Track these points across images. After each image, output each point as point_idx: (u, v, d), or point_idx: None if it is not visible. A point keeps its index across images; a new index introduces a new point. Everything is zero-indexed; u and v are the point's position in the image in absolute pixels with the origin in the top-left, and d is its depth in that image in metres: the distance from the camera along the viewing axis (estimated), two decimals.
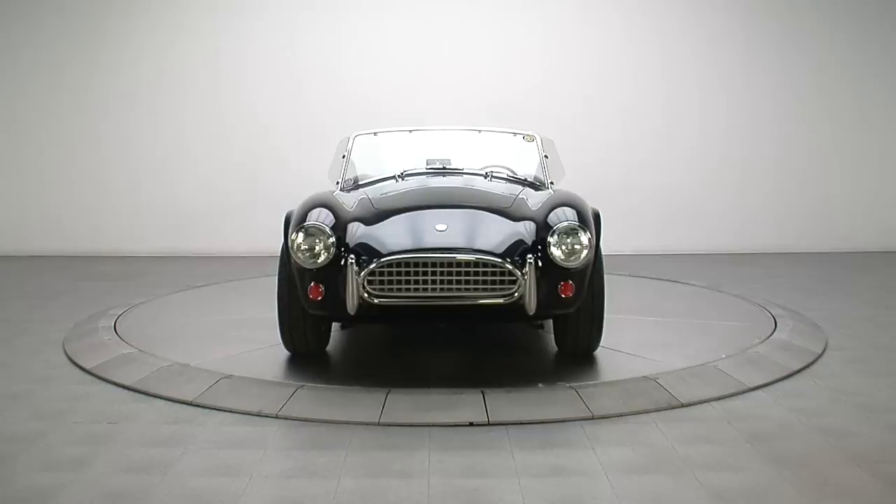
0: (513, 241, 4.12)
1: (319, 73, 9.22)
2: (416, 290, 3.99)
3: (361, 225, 4.26)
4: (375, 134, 5.83)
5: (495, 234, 4.18)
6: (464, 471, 3.11)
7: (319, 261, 4.06)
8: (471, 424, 3.60)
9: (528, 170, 5.42)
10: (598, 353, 4.58)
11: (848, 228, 9.43)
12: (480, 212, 4.43)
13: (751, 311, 5.80)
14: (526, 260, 3.97)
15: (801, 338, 5.00)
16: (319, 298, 4.09)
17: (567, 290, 4.07)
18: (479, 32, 9.27)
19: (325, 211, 4.31)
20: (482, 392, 3.86)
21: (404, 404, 3.76)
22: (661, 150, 9.30)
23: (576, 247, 4.08)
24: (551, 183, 5.80)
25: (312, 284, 4.09)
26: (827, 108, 9.40)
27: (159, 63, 9.28)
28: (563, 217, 4.20)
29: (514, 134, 5.66)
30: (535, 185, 5.21)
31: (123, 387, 4.15)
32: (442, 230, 4.14)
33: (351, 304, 3.97)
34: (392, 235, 4.16)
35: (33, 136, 9.36)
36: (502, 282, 3.98)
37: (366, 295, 3.97)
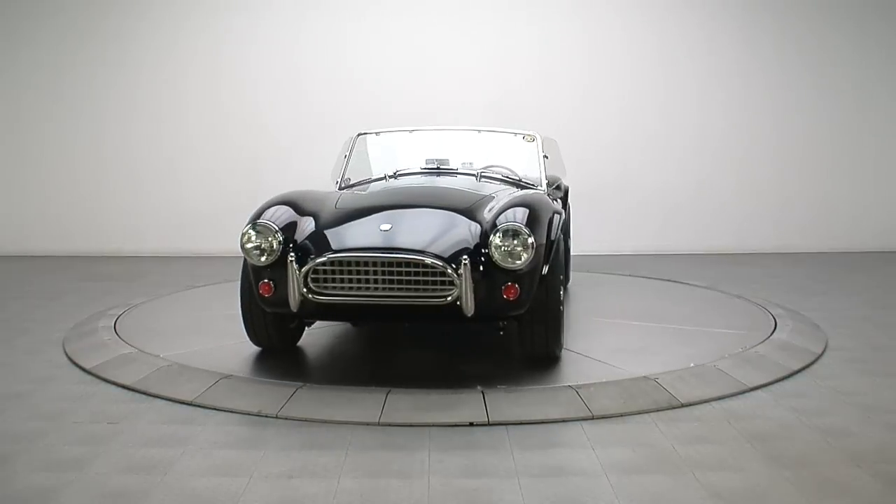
0: (457, 241, 4.05)
1: (322, 73, 9.23)
2: (354, 289, 4.02)
3: (312, 224, 4.31)
4: (378, 134, 5.88)
5: (441, 234, 4.12)
6: (464, 471, 3.11)
7: (264, 259, 4.14)
8: (471, 424, 3.60)
9: (527, 170, 5.43)
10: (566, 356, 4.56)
11: (847, 228, 9.43)
12: (437, 212, 4.34)
13: (750, 311, 5.80)
14: (461, 261, 3.89)
15: (801, 338, 5.00)
16: (269, 295, 4.18)
17: (511, 292, 3.96)
18: (479, 32, 9.27)
19: (283, 208, 4.39)
20: (482, 392, 3.86)
21: (404, 404, 3.76)
22: (660, 150, 9.31)
23: (517, 249, 3.95)
24: (548, 184, 5.84)
25: (263, 281, 4.18)
26: (825, 107, 9.41)
27: (161, 63, 9.29)
28: (510, 218, 4.07)
29: (515, 134, 5.68)
30: (527, 186, 5.25)
31: (123, 387, 4.15)
32: (385, 230, 4.13)
33: (293, 302, 4.04)
34: (335, 235, 4.21)
35: (35, 136, 9.37)
36: (440, 283, 3.93)
37: (306, 292, 4.02)
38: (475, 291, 3.93)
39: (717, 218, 9.36)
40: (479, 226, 4.15)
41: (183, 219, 9.30)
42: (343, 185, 5.48)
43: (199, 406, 3.85)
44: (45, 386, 4.22)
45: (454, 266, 3.90)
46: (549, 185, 6.23)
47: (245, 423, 3.63)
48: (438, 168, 5.35)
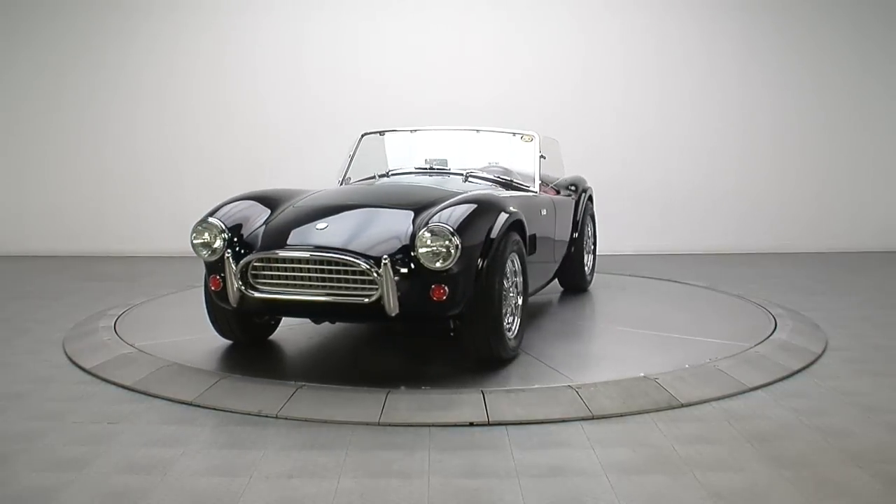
0: (387, 241, 4.04)
1: (326, 74, 9.26)
2: (285, 286, 4.08)
3: (260, 222, 4.41)
4: (382, 133, 5.92)
5: (374, 234, 4.11)
6: (464, 471, 3.11)
7: (207, 255, 4.29)
8: (471, 424, 3.60)
9: (525, 170, 5.46)
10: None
11: (846, 228, 9.44)
12: (383, 211, 4.33)
13: (751, 311, 5.80)
14: (381, 260, 3.88)
15: (801, 338, 5.00)
16: (218, 290, 4.30)
17: (439, 293, 3.92)
18: (480, 32, 9.28)
19: (241, 205, 4.53)
20: (482, 392, 3.86)
21: (404, 404, 3.76)
22: (659, 150, 9.32)
23: (441, 250, 3.88)
24: (564, 185, 5.89)
25: (213, 277, 4.31)
26: (825, 107, 9.42)
27: (163, 63, 9.30)
28: (440, 219, 3.99)
29: (514, 134, 5.68)
30: (516, 187, 5.26)
31: (123, 387, 4.15)
32: (320, 228, 4.18)
33: (232, 297, 4.16)
34: (275, 233, 4.28)
35: (36, 137, 9.37)
36: (364, 281, 3.94)
37: (243, 288, 4.11)
38: (403, 291, 3.91)
39: (717, 218, 9.37)
40: (413, 227, 4.13)
41: (184, 219, 9.22)
42: (343, 184, 5.53)
43: (199, 406, 3.85)
44: (45, 386, 4.22)
45: (376, 266, 3.89)
46: (564, 185, 6.22)
47: (245, 423, 3.63)
48: (431, 168, 5.40)
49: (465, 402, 3.76)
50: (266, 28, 9.26)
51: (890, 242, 9.41)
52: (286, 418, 3.68)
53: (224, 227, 4.31)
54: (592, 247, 6.76)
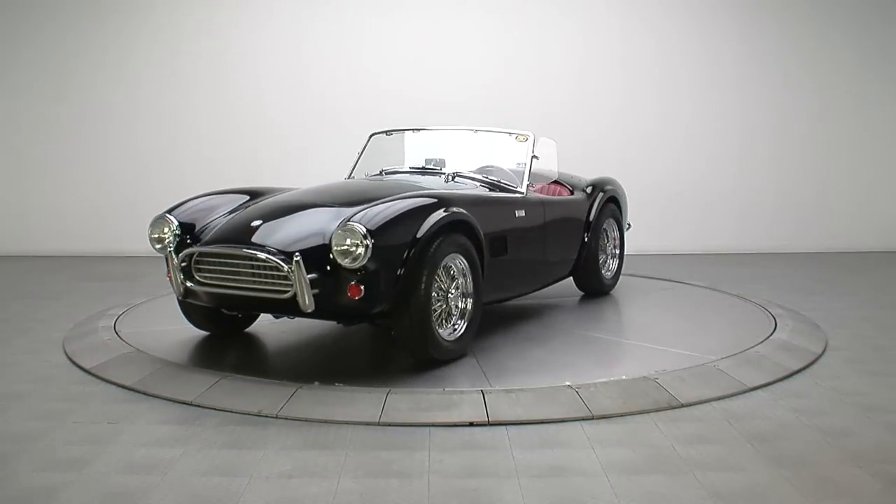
0: (310, 239, 4.11)
1: (326, 73, 9.25)
2: (218, 279, 4.26)
3: (209, 218, 4.62)
4: (388, 133, 5.94)
5: (304, 231, 4.18)
6: (464, 471, 3.11)
7: (158, 248, 4.50)
8: (471, 424, 3.60)
9: (517, 170, 5.45)
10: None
11: (846, 228, 9.44)
12: (324, 210, 4.36)
13: (750, 311, 5.80)
14: (293, 257, 3.94)
15: (801, 338, 5.00)
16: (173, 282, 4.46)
17: (354, 291, 3.95)
18: (481, 31, 9.28)
19: (204, 200, 4.80)
20: (482, 392, 3.86)
21: (404, 404, 3.76)
22: (658, 149, 9.31)
23: (351, 248, 3.91)
24: (580, 187, 5.87)
25: (168, 270, 4.46)
26: (824, 107, 9.41)
27: (164, 63, 9.29)
28: (357, 218, 4.01)
29: (510, 134, 5.66)
30: (502, 187, 5.23)
31: (123, 387, 4.15)
32: (254, 225, 4.31)
33: (176, 290, 4.37)
34: (218, 229, 4.47)
35: (36, 137, 9.37)
36: (281, 277, 4.03)
37: (184, 280, 4.32)
38: (321, 288, 3.98)
39: (717, 218, 9.36)
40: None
41: None
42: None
43: (199, 406, 3.85)
44: (45, 386, 4.22)
45: (288, 262, 3.97)
46: (583, 186, 6.12)
47: (245, 423, 3.63)
48: (424, 168, 5.42)
49: (465, 402, 3.76)
50: (267, 28, 9.26)
51: (890, 242, 9.41)
52: (286, 418, 3.68)
53: (176, 222, 4.52)
54: (616, 250, 6.53)
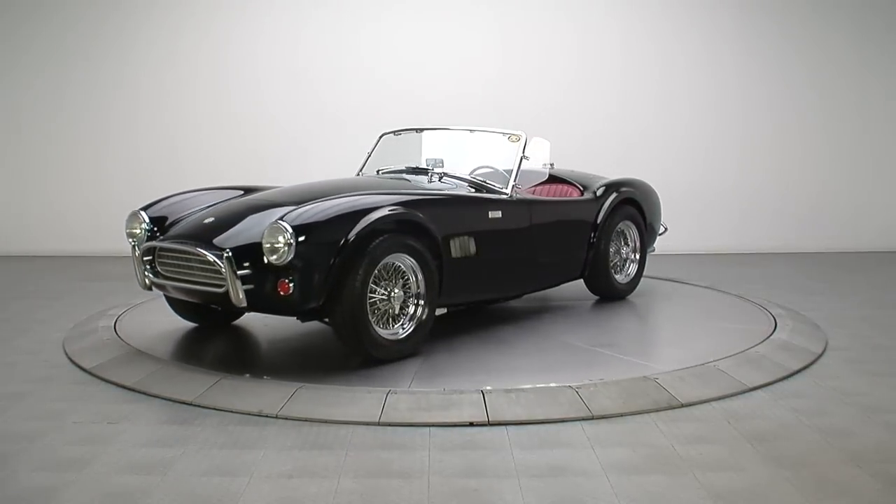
0: (246, 235, 4.24)
1: (325, 72, 9.23)
2: (173, 272, 4.49)
3: (178, 214, 4.85)
4: (396, 133, 5.98)
5: (245, 229, 4.31)
6: (464, 471, 3.11)
7: (131, 242, 4.76)
8: (471, 424, 3.60)
9: (507, 169, 5.39)
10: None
11: (846, 228, 9.43)
12: (274, 210, 4.42)
13: (751, 311, 5.80)
14: (223, 253, 4.08)
15: (801, 338, 5.00)
16: None
17: (284, 287, 4.04)
18: (480, 28, 9.28)
19: (178, 199, 5.03)
20: (482, 392, 3.86)
21: (404, 404, 3.76)
22: (658, 149, 9.29)
23: (276, 246, 4.00)
24: (567, 183, 5.84)
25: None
26: (824, 107, 9.41)
27: (163, 62, 9.28)
28: (286, 217, 4.10)
29: (503, 134, 5.63)
30: (488, 188, 5.21)
31: (123, 387, 4.16)
32: (206, 223, 4.51)
33: (140, 281, 4.63)
34: (178, 225, 4.71)
35: (36, 137, 9.36)
36: (216, 272, 4.17)
37: (146, 273, 4.58)
38: (255, 284, 4.09)
39: (717, 218, 9.36)
40: None
41: None
42: None
43: (199, 406, 3.85)
44: (45, 386, 4.22)
45: (219, 258, 4.10)
46: (596, 187, 6.00)
47: (245, 423, 3.63)
48: (416, 168, 5.44)
49: (465, 402, 3.76)
50: (267, 27, 9.25)
51: (890, 242, 9.41)
52: (286, 418, 3.68)
53: (147, 218, 4.80)
54: (635, 255, 6.29)
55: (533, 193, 5.97)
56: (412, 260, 4.44)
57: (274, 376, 4.16)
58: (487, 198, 5.12)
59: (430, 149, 5.69)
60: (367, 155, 5.96)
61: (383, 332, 4.37)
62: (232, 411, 3.77)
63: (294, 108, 9.25)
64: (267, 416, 3.71)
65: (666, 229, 6.67)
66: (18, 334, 5.40)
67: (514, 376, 4.14)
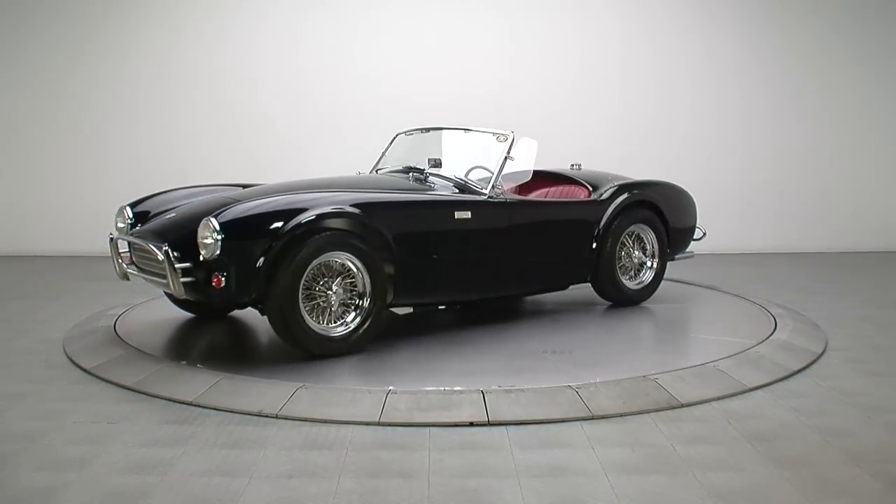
0: (190, 230, 4.38)
1: (324, 72, 9.23)
2: (143, 264, 4.79)
3: (159, 210, 5.10)
4: (408, 133, 6.03)
5: (194, 225, 4.39)
6: (464, 471, 3.11)
7: (115, 234, 5.06)
8: (471, 424, 3.60)
9: (492, 169, 5.37)
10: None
11: (847, 227, 9.44)
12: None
13: (750, 311, 5.80)
14: (162, 247, 4.34)
15: (801, 338, 5.00)
16: None
17: (216, 280, 4.21)
18: (479, 28, 9.28)
19: (169, 195, 5.30)
20: (482, 392, 3.86)
21: (404, 404, 3.76)
22: (657, 149, 9.29)
23: (205, 241, 4.21)
24: (577, 183, 5.93)
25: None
26: (825, 107, 9.41)
27: (162, 62, 9.28)
28: (219, 214, 4.27)
29: (493, 134, 5.58)
30: (469, 188, 5.18)
31: (123, 387, 4.16)
32: (167, 218, 4.81)
33: (117, 272, 5.01)
34: (151, 220, 4.98)
35: (34, 136, 9.36)
36: (160, 264, 4.42)
37: (120, 264, 4.97)
38: (196, 277, 4.29)
39: (717, 218, 9.32)
40: None
41: None
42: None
43: (199, 406, 3.85)
44: (45, 386, 4.22)
45: (160, 252, 4.35)
46: (609, 187, 5.85)
47: (245, 423, 3.64)
48: (412, 168, 5.45)
49: (465, 402, 3.76)
50: (264, 26, 9.25)
51: (890, 242, 9.41)
52: (286, 418, 3.69)
53: (131, 213, 5.11)
54: (651, 260, 6.02)
55: (535, 195, 5.96)
56: (356, 259, 4.50)
57: (274, 376, 4.16)
58: (454, 199, 5.01)
59: (433, 149, 5.69)
60: (381, 153, 6.04)
61: (318, 328, 4.44)
62: (232, 411, 3.78)
63: (293, 108, 9.25)
64: (267, 416, 3.71)
65: (704, 234, 6.46)
66: (18, 334, 5.40)
67: (516, 376, 4.14)
